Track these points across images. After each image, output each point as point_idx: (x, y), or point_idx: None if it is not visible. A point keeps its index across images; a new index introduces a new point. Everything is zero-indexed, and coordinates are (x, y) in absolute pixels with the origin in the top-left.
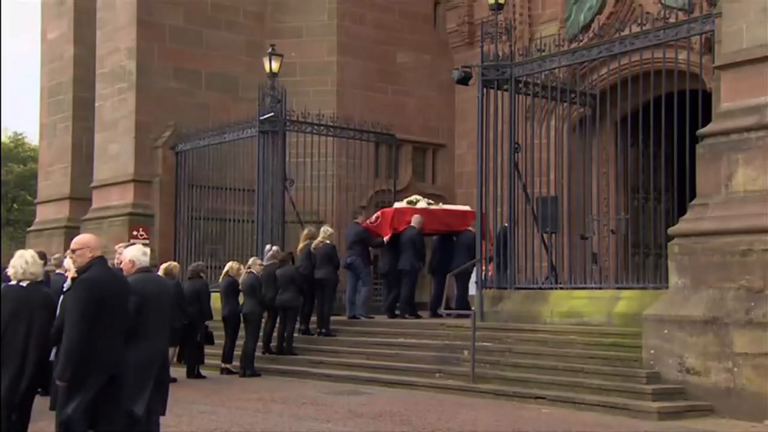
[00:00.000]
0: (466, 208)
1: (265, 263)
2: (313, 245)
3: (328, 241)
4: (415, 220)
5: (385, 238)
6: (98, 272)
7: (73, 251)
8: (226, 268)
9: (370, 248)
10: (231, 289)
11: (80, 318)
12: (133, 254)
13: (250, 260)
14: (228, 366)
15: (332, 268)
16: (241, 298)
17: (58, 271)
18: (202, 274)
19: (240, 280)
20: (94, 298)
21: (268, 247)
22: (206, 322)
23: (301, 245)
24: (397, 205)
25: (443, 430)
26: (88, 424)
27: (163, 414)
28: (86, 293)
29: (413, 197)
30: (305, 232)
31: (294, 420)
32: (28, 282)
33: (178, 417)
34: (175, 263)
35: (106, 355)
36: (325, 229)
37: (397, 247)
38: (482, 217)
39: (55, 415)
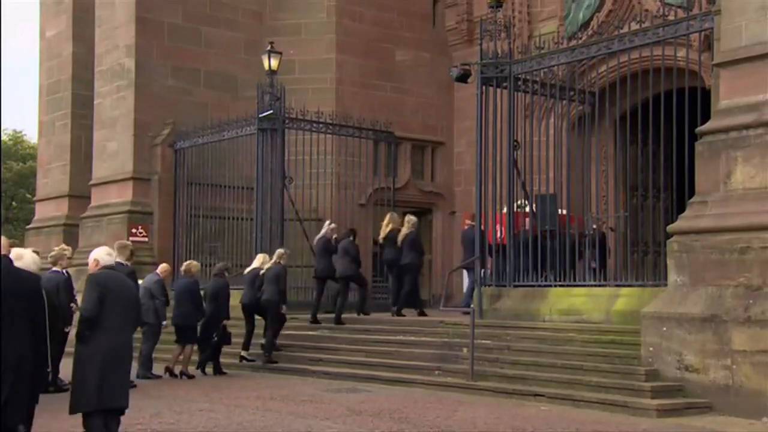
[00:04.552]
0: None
1: (318, 237)
2: (400, 236)
3: (413, 230)
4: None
5: None
6: None
7: None
8: (255, 260)
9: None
10: (253, 278)
11: None
12: (97, 254)
13: (279, 251)
14: (245, 354)
15: (416, 254)
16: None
17: (54, 268)
18: (226, 273)
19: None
20: None
21: (327, 222)
22: (224, 322)
23: (385, 232)
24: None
25: (442, 428)
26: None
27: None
28: None
29: (519, 201)
30: (388, 217)
31: (293, 418)
32: None
33: (177, 415)
34: (196, 263)
35: (7, 353)
36: (409, 218)
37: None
38: (570, 218)
39: None
